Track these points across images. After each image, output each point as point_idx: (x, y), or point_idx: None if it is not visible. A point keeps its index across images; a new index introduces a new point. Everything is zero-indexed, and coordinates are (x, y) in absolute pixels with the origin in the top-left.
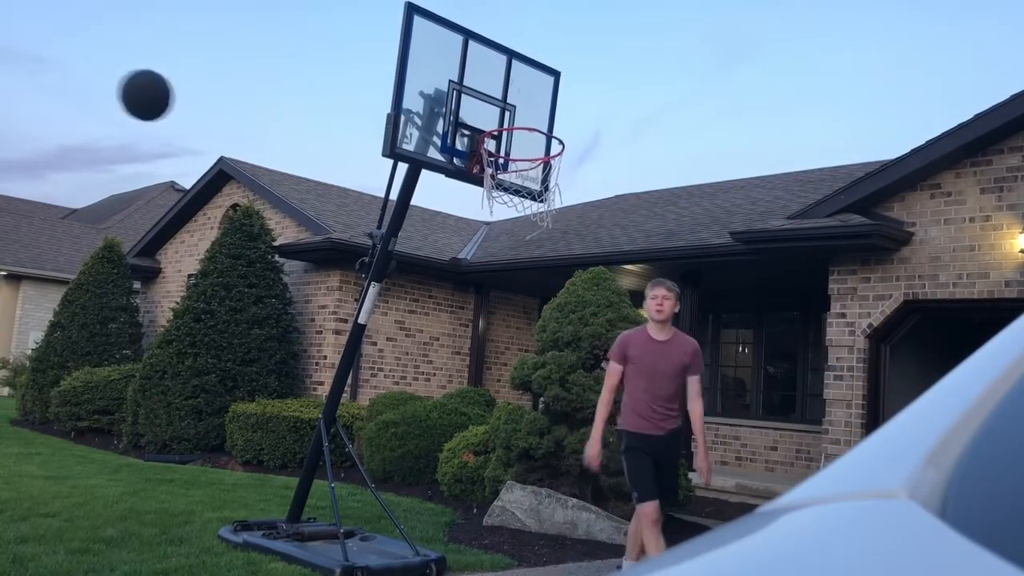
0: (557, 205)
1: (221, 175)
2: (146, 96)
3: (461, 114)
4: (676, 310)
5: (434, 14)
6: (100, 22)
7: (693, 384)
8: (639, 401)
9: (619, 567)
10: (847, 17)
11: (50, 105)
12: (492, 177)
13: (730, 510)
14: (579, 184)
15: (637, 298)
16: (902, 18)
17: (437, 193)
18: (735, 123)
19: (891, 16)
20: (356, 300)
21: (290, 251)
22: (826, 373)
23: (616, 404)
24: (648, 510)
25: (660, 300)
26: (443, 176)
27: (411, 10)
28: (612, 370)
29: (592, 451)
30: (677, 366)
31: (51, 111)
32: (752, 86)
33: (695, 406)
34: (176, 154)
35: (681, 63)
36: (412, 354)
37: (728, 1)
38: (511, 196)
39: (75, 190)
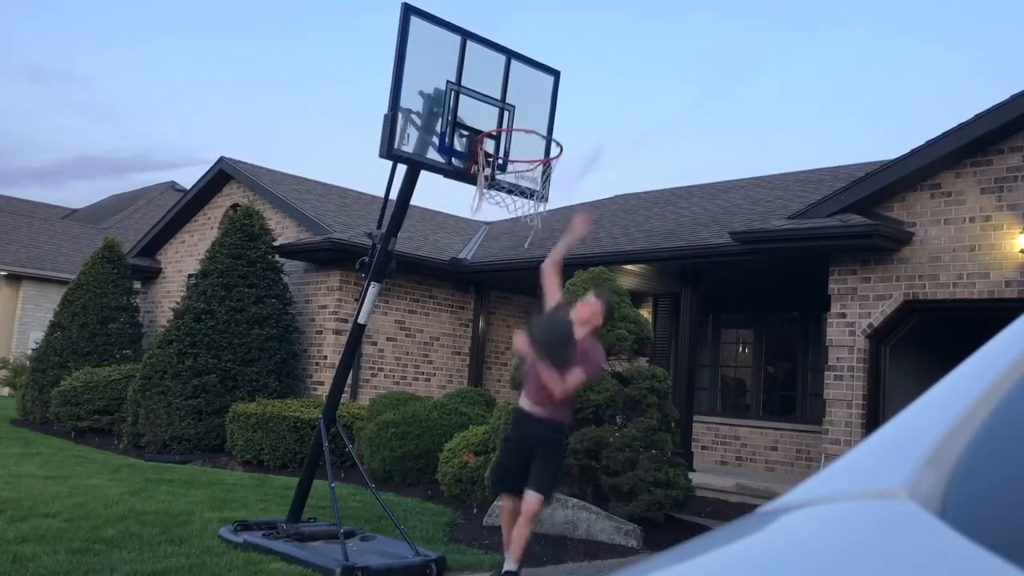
0: (550, 207)
1: (221, 175)
2: None
3: (460, 114)
4: (599, 324)
5: (431, 15)
6: (115, 34)
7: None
8: (536, 387)
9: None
10: (846, 18)
11: (71, 117)
12: (489, 178)
13: (730, 510)
14: (581, 194)
15: (637, 298)
16: (901, 19)
17: (437, 193)
18: (736, 136)
19: (890, 17)
20: (356, 300)
21: (290, 251)
22: (826, 373)
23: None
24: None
25: (596, 316)
26: (441, 176)
27: (408, 11)
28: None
29: None
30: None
31: (72, 123)
32: (752, 99)
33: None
34: (190, 163)
35: (682, 78)
36: (412, 354)
37: (728, 15)
38: (506, 196)
39: (90, 196)
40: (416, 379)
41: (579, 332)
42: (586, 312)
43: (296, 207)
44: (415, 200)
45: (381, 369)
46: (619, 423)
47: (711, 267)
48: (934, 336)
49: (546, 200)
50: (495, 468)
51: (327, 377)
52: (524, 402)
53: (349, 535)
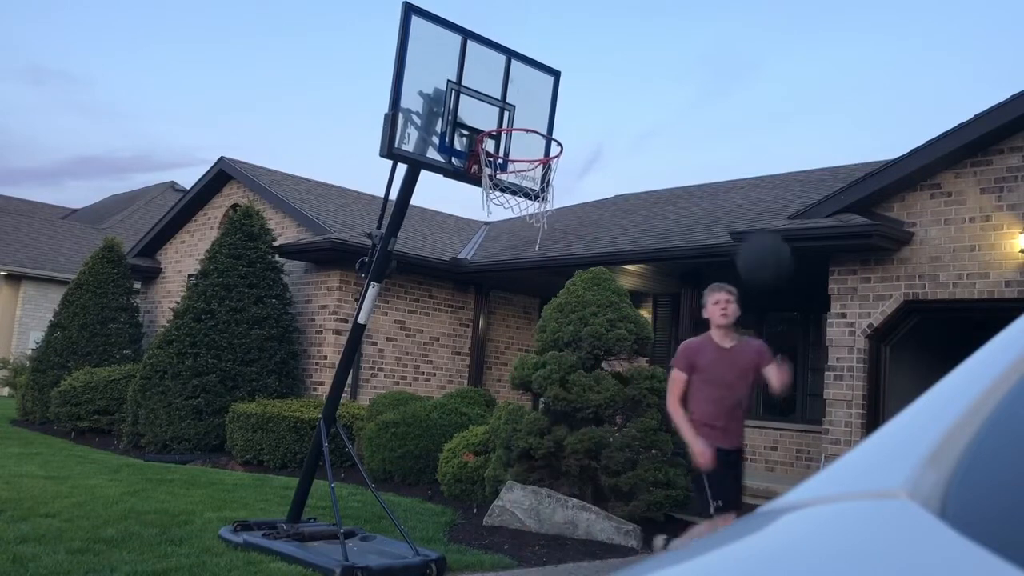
0: (554, 206)
1: (221, 175)
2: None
3: (460, 114)
4: (739, 313)
5: (432, 14)
6: (116, 34)
7: (771, 370)
8: (710, 413)
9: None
10: (846, 20)
11: (71, 117)
12: (491, 178)
13: None
14: (581, 194)
15: (637, 298)
16: (901, 21)
17: (437, 193)
18: (736, 136)
19: (890, 19)
20: (356, 300)
21: (290, 251)
22: (826, 373)
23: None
24: (728, 521)
25: (724, 304)
26: (442, 176)
27: (409, 10)
28: (677, 377)
29: (700, 449)
30: (747, 371)
31: (72, 123)
32: (752, 100)
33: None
34: (190, 163)
35: (681, 79)
36: (412, 354)
37: (728, 16)
38: (509, 196)
39: (90, 196)
40: (416, 379)
41: (726, 340)
42: (722, 310)
43: (296, 207)
44: (415, 200)
45: (381, 369)
46: (619, 423)
47: (711, 267)
48: (934, 336)
49: (548, 201)
50: (720, 490)
51: (327, 377)
52: (720, 441)
53: (349, 535)
